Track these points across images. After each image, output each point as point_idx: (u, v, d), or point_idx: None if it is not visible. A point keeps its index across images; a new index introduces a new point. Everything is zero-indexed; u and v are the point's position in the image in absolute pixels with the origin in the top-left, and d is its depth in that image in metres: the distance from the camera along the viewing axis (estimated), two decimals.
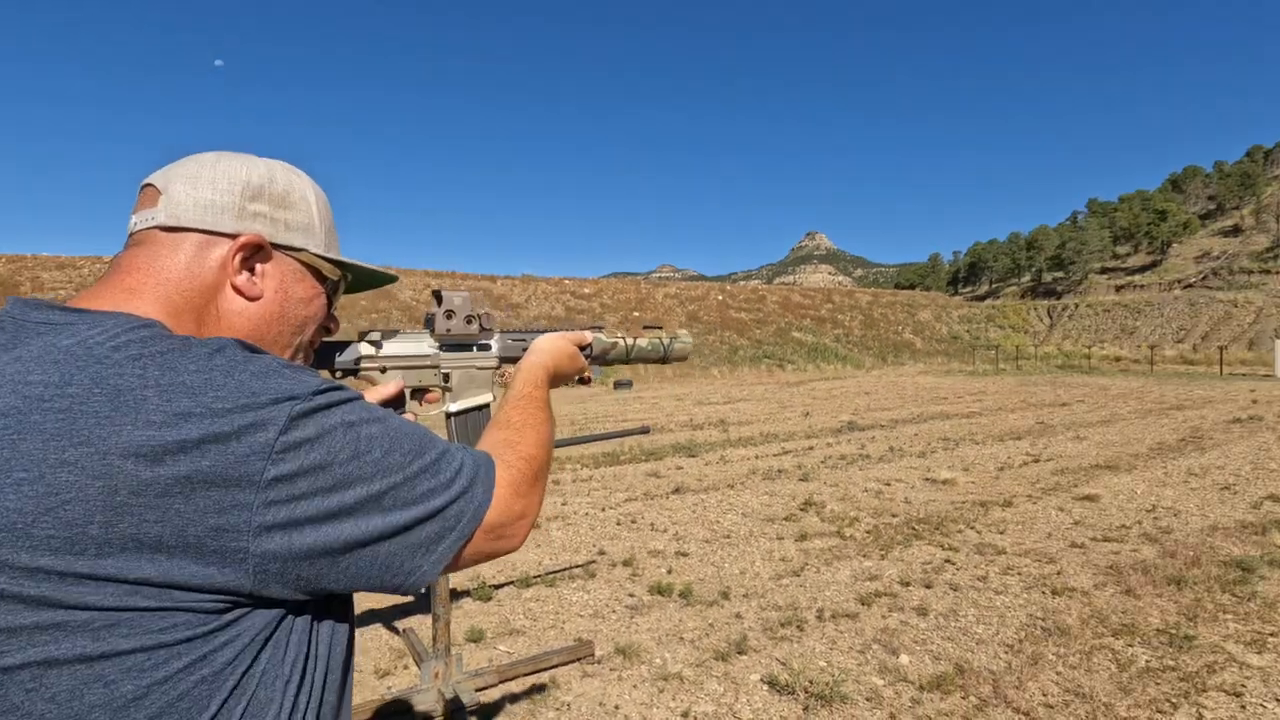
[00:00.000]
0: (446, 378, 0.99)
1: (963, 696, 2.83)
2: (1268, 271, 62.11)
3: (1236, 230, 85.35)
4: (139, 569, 0.48)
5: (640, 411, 14.19)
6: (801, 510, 5.90)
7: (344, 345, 0.92)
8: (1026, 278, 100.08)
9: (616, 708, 2.79)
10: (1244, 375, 24.66)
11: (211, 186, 0.66)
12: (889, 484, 6.91)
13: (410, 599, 3.77)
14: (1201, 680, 2.91)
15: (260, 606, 0.55)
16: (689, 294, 39.63)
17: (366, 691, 2.91)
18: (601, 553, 4.82)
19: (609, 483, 7.16)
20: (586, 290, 35.96)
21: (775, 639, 3.40)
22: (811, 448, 9.27)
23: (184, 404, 0.50)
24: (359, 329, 0.96)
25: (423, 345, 0.98)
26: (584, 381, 1.08)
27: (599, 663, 3.17)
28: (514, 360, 1.03)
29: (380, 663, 3.17)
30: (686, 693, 2.91)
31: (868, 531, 5.25)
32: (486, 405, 1.01)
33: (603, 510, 6.01)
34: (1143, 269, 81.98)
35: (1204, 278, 66.34)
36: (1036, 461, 8.02)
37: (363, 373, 0.93)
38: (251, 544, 0.51)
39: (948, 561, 4.50)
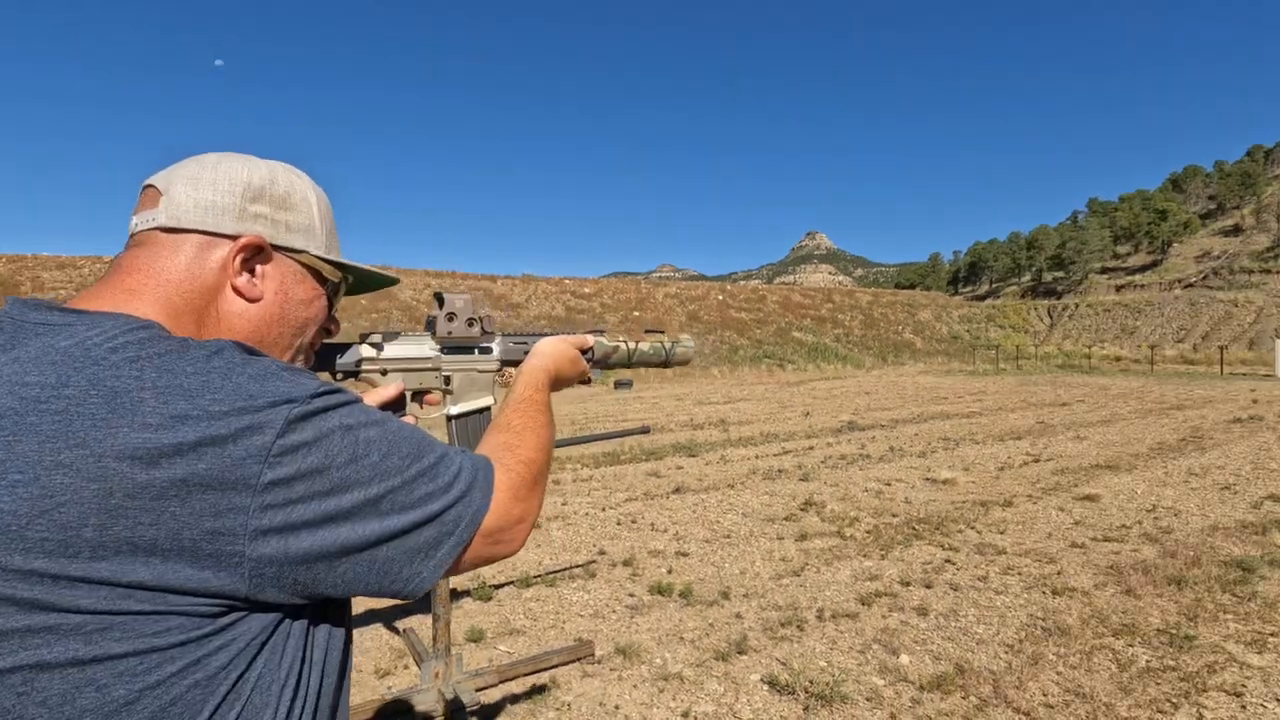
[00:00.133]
0: (448, 380, 0.99)
1: (963, 696, 2.83)
2: (1268, 271, 62.08)
3: (1237, 230, 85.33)
4: (133, 572, 0.48)
5: (640, 411, 14.19)
6: (802, 510, 5.90)
7: (345, 347, 0.92)
8: (1027, 277, 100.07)
9: (617, 708, 2.79)
10: (1244, 375, 24.65)
11: (212, 188, 0.65)
12: (889, 484, 6.90)
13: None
14: (1202, 680, 2.91)
15: (256, 611, 0.54)
16: (689, 294, 39.62)
17: (367, 691, 2.91)
18: (602, 552, 4.82)
19: (609, 482, 7.16)
20: (587, 290, 35.96)
21: (775, 639, 3.40)
22: (812, 447, 9.27)
23: (181, 406, 0.50)
24: (359, 329, 0.96)
25: (424, 348, 0.97)
26: (584, 381, 1.08)
27: (599, 663, 3.17)
28: (515, 363, 1.03)
29: (380, 662, 3.17)
30: (687, 693, 2.90)
31: (868, 531, 5.25)
32: (487, 408, 1.01)
33: (603, 510, 6.01)
34: (1143, 269, 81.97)
35: (1204, 277, 66.33)
36: (1037, 461, 8.02)
37: (364, 375, 0.93)
38: (247, 548, 0.51)
39: (948, 561, 4.50)
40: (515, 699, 2.85)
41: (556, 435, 0.85)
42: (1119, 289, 69.81)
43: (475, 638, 3.45)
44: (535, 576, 4.29)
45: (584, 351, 1.07)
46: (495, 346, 1.03)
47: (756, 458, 8.52)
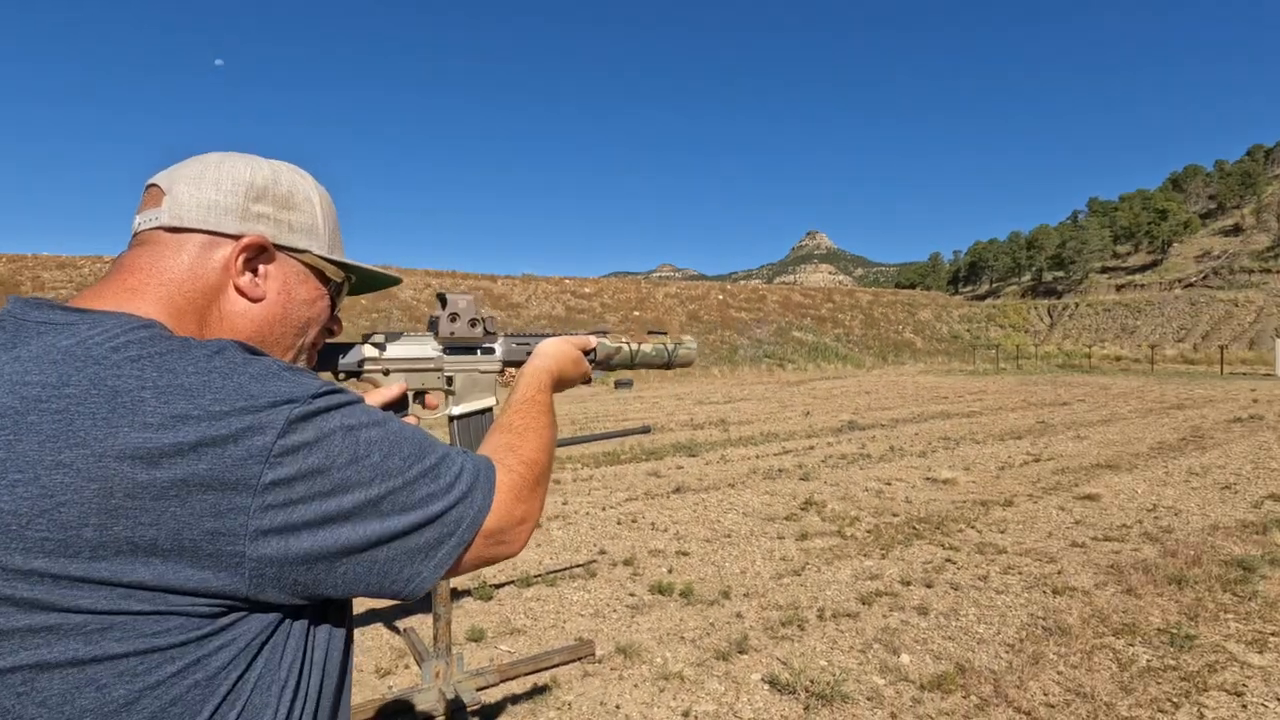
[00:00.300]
0: (450, 381, 0.99)
1: (964, 696, 2.83)
2: (1268, 271, 62.05)
3: (1237, 229, 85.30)
4: (133, 572, 0.48)
5: (641, 411, 14.19)
6: (802, 510, 5.90)
7: (347, 347, 0.92)
8: (1027, 277, 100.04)
9: (617, 707, 2.79)
10: (1244, 374, 24.65)
11: (215, 187, 0.65)
12: (890, 483, 6.90)
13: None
14: (1203, 680, 2.91)
15: (256, 611, 0.54)
16: (689, 293, 39.61)
17: (368, 691, 2.90)
18: (602, 552, 4.82)
19: (610, 482, 7.16)
20: (587, 290, 35.95)
21: (776, 638, 3.40)
22: (812, 447, 9.27)
23: (181, 406, 0.50)
24: (359, 329, 0.96)
25: (426, 348, 0.97)
26: (585, 381, 1.08)
27: (600, 662, 3.16)
28: (517, 364, 1.03)
29: (381, 662, 3.17)
30: (687, 692, 2.90)
31: (868, 531, 5.25)
32: (489, 409, 1.01)
33: (603, 509, 6.01)
34: (1143, 268, 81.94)
35: (1204, 277, 66.31)
36: (1037, 461, 8.02)
37: (366, 375, 0.93)
38: (248, 548, 0.51)
39: (948, 561, 4.50)
40: (516, 698, 2.85)
41: (557, 435, 0.85)
42: (1119, 288, 69.80)
43: (476, 637, 3.45)
44: (536, 576, 4.29)
45: (586, 352, 1.07)
46: (498, 347, 1.03)
47: (757, 457, 8.52)
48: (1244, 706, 2.71)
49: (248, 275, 0.66)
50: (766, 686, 2.94)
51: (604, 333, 1.12)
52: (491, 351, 1.03)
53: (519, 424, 0.78)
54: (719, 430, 11.05)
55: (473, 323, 0.99)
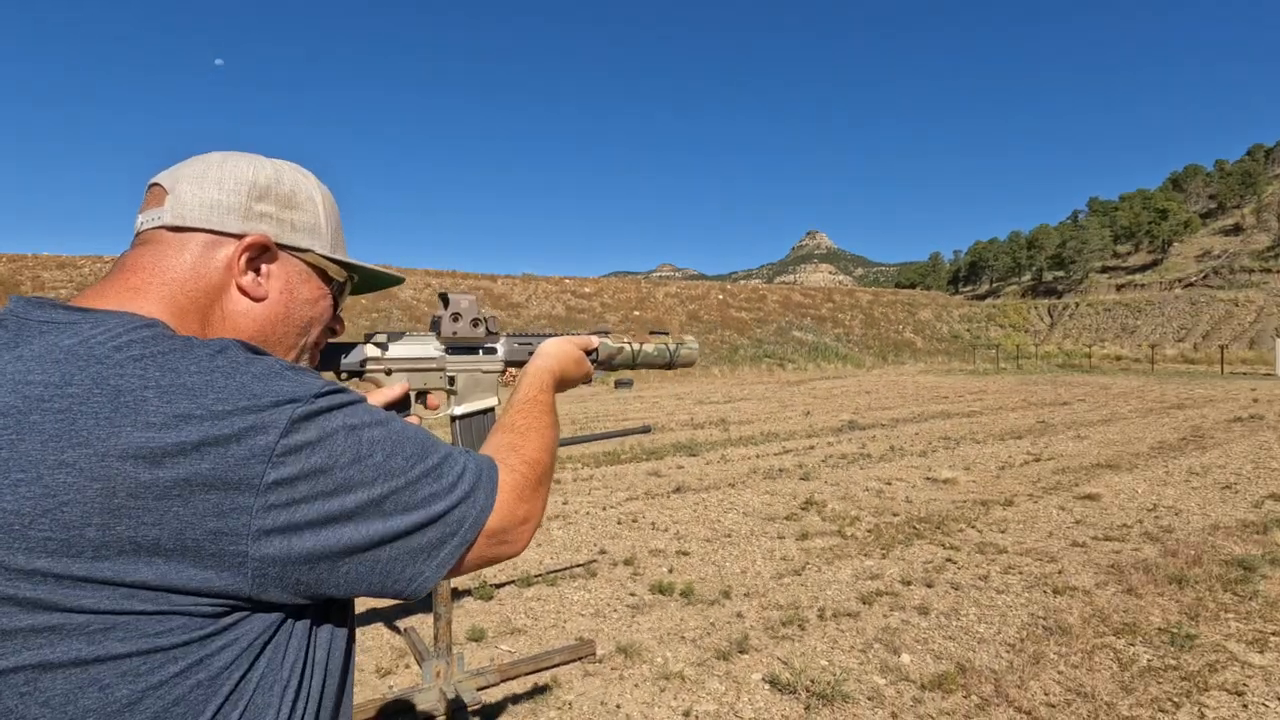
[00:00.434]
0: (452, 381, 0.99)
1: (964, 696, 2.83)
2: (1269, 270, 62.03)
3: (1237, 229, 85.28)
4: (136, 572, 0.48)
5: (641, 410, 14.19)
6: (802, 509, 5.90)
7: (350, 347, 0.92)
8: (1027, 277, 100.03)
9: (618, 707, 2.79)
10: (1245, 374, 24.65)
11: (218, 186, 0.65)
12: (890, 483, 6.90)
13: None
14: (1203, 679, 2.91)
15: (259, 611, 0.54)
16: (689, 293, 39.61)
17: (368, 690, 2.91)
18: (603, 552, 4.82)
19: (610, 482, 7.16)
20: (587, 289, 35.95)
21: (776, 638, 3.40)
22: (812, 447, 9.27)
23: (184, 406, 0.50)
24: (359, 328, 0.96)
25: (429, 348, 0.97)
26: (586, 380, 1.08)
27: (600, 662, 3.16)
28: (519, 364, 1.03)
29: (382, 662, 3.17)
30: (688, 692, 2.90)
31: (869, 530, 5.25)
32: (491, 409, 1.01)
33: (604, 509, 6.01)
34: (1143, 268, 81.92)
35: (1205, 276, 66.29)
36: (1037, 460, 8.02)
37: (368, 375, 0.93)
38: (251, 548, 0.51)
39: (949, 560, 4.50)
40: (517, 698, 2.85)
41: (559, 435, 0.85)
42: (1119, 288, 69.79)
43: (476, 637, 3.45)
44: (536, 575, 4.29)
45: (589, 353, 1.07)
46: (500, 347, 1.03)
47: (757, 457, 8.52)
48: (1245, 706, 2.71)
49: (250, 274, 0.66)
50: (767, 686, 2.94)
51: (606, 333, 1.12)
52: (494, 351, 1.03)
53: (521, 424, 0.78)
54: (719, 430, 11.05)
55: (475, 322, 0.99)
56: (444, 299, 0.99)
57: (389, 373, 0.94)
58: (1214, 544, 4.71)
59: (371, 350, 0.93)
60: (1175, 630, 3.35)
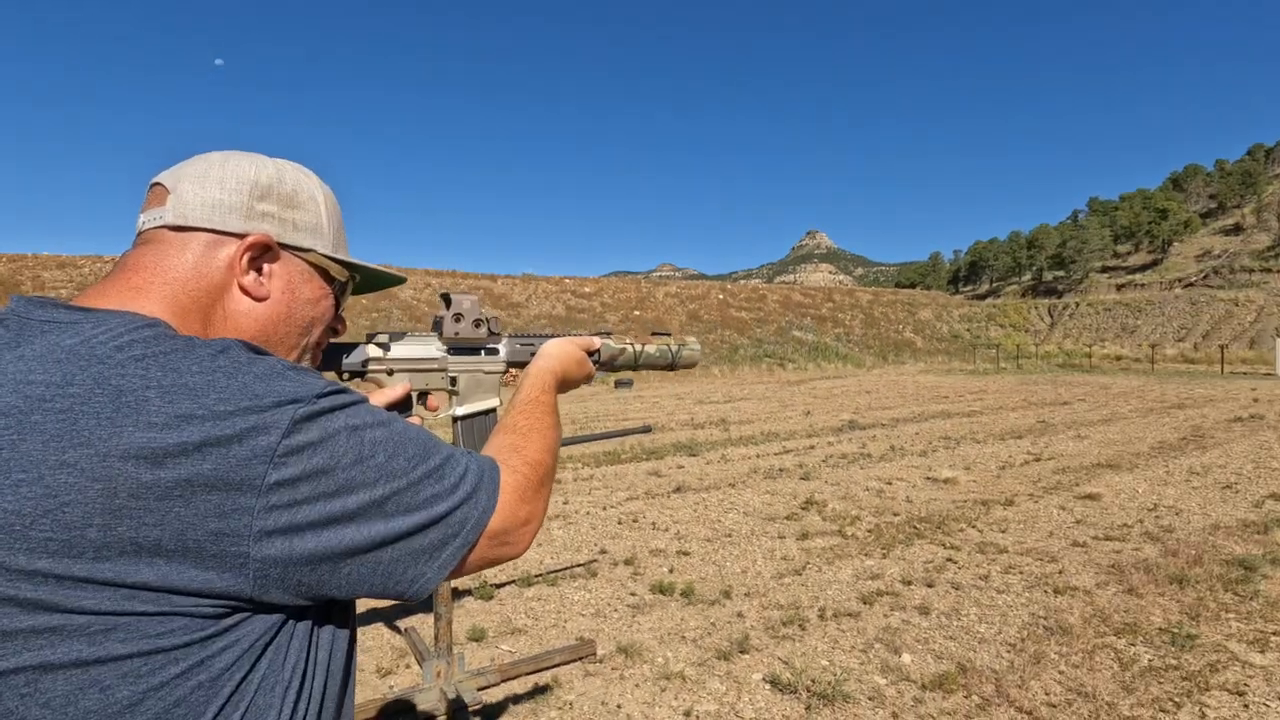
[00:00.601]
0: (454, 381, 0.99)
1: (965, 696, 2.83)
2: (1269, 270, 62.04)
3: (1238, 229, 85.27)
4: (137, 573, 0.48)
5: (641, 410, 14.19)
6: (803, 509, 5.89)
7: (351, 347, 0.92)
8: (1027, 276, 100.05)
9: (619, 707, 2.79)
10: (1245, 374, 24.65)
11: (220, 186, 0.65)
12: (890, 483, 6.90)
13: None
14: (1204, 679, 2.91)
15: (260, 612, 0.54)
16: (690, 293, 39.60)
17: (369, 690, 2.90)
18: (603, 552, 4.82)
19: (610, 482, 7.16)
20: (587, 289, 35.95)
21: (777, 638, 3.40)
22: (812, 446, 9.27)
23: (186, 406, 0.50)
24: (359, 328, 0.96)
25: (430, 348, 0.97)
26: (587, 381, 1.08)
27: (601, 662, 3.16)
28: (521, 364, 1.03)
29: (382, 662, 3.17)
30: (689, 692, 2.90)
31: (869, 530, 5.24)
32: (493, 409, 1.01)
33: (604, 509, 6.01)
34: (1144, 268, 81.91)
35: (1205, 276, 66.28)
36: (1038, 460, 8.02)
37: (370, 375, 0.93)
38: (252, 549, 0.50)
39: (949, 560, 4.50)
40: (517, 698, 2.85)
41: (561, 436, 0.85)
42: (1119, 288, 69.78)
43: (477, 637, 3.45)
44: (537, 575, 4.28)
45: (591, 354, 1.07)
46: (502, 348, 1.03)
47: (757, 457, 8.52)
48: (1245, 706, 2.71)
49: (252, 274, 0.66)
50: (768, 686, 2.94)
51: (608, 334, 1.12)
52: (496, 352, 1.03)
53: (523, 425, 0.78)
54: (719, 430, 11.05)
55: (477, 323, 0.99)
56: (446, 299, 0.99)
57: (391, 373, 0.94)
58: (1214, 544, 4.71)
59: (374, 350, 0.93)
60: (1176, 630, 3.35)
